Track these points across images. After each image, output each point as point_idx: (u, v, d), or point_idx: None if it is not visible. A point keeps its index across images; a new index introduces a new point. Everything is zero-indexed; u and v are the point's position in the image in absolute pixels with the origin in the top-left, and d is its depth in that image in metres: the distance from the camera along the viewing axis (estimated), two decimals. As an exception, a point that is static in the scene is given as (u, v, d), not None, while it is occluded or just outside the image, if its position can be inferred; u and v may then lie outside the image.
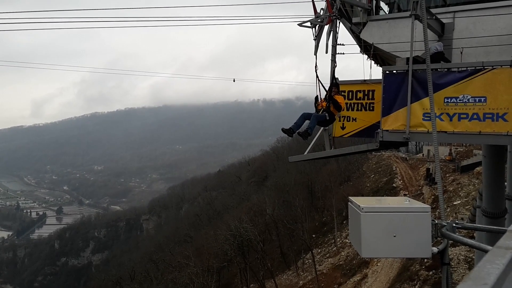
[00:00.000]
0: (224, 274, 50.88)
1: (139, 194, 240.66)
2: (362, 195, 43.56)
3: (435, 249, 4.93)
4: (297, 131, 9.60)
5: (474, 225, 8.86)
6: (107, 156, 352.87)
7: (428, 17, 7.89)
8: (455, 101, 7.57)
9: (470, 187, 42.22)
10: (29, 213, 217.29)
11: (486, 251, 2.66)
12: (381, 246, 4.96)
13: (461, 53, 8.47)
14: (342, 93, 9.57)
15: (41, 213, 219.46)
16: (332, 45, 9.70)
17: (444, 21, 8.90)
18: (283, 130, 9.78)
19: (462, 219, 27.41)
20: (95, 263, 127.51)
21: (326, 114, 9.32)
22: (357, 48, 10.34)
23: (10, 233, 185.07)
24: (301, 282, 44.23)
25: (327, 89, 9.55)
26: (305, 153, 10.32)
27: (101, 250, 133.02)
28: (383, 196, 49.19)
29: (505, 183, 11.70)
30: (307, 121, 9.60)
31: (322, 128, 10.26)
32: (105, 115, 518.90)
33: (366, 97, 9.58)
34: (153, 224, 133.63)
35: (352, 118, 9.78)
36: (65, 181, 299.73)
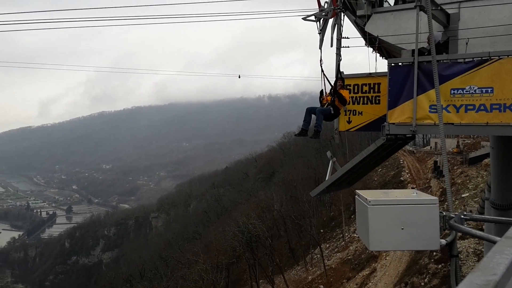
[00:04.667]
0: (233, 270, 51.05)
1: (147, 192, 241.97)
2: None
3: (443, 241, 4.90)
4: (309, 137, 10.07)
5: (482, 216, 8.82)
6: (115, 155, 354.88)
7: (433, 8, 7.81)
8: (461, 92, 7.50)
9: (479, 179, 41.89)
10: (39, 213, 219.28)
11: (495, 242, 2.65)
12: (388, 239, 4.95)
13: (467, 43, 8.39)
14: (348, 87, 9.53)
15: (51, 212, 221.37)
16: (337, 39, 9.66)
17: (449, 11, 8.82)
18: (297, 135, 10.33)
19: (470, 211, 27.21)
20: (105, 261, 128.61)
21: (331, 108, 9.30)
22: (362, 41, 10.29)
23: (21, 232, 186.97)
24: (310, 277, 44.26)
25: (332, 83, 9.52)
26: (326, 178, 10.35)
27: (111, 248, 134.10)
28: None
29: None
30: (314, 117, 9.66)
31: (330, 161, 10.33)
32: (112, 114, 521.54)
33: (372, 90, 9.54)
34: (162, 222, 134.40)
35: (358, 112, 9.75)
36: (74, 180, 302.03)
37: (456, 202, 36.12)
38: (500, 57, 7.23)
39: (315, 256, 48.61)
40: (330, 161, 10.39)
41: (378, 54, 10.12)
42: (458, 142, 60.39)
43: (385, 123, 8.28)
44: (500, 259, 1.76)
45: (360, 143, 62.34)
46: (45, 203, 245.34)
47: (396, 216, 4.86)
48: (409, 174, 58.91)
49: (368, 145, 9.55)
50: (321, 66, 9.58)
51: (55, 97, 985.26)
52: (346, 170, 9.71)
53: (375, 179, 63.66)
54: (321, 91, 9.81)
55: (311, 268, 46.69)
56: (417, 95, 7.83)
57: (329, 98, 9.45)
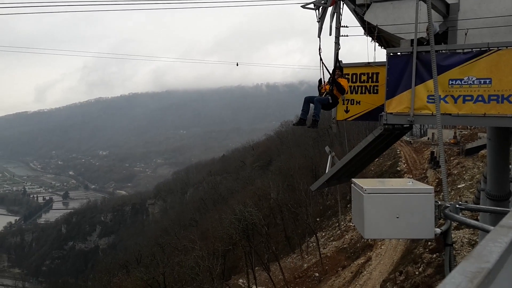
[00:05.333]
0: (229, 257, 51.28)
1: (144, 178, 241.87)
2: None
3: (438, 230, 4.94)
4: (307, 126, 10.06)
5: (477, 206, 8.85)
6: (111, 141, 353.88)
7: (433, -2, 7.77)
8: (459, 83, 7.50)
9: (475, 170, 42.04)
10: (35, 198, 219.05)
11: (489, 232, 2.68)
12: (383, 227, 4.98)
13: (466, 34, 8.37)
14: (346, 76, 9.51)
15: (47, 198, 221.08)
16: (336, 27, 9.61)
17: (449, 1, 8.77)
18: (295, 125, 10.33)
19: (466, 202, 27.30)
20: (102, 247, 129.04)
21: (329, 97, 9.28)
22: (361, 30, 10.23)
23: (18, 217, 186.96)
24: (305, 265, 44.56)
25: (330, 72, 9.49)
26: (326, 171, 10.33)
27: (108, 234, 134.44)
28: (387, 179, 49.07)
29: (510, 166, 11.66)
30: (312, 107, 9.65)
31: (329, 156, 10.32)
32: (109, 100, 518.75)
33: (370, 79, 9.53)
34: (159, 209, 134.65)
35: (356, 101, 9.74)
36: (70, 166, 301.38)
37: (452, 193, 36.29)
38: (499, 48, 7.22)
39: (310, 245, 48.90)
40: (329, 156, 10.40)
41: (377, 44, 10.09)
42: (455, 133, 60.45)
43: (382, 112, 8.29)
44: (493, 247, 1.77)
45: (357, 133, 62.32)
46: (41, 189, 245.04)
47: (391, 205, 4.88)
48: (405, 164, 59.07)
49: (366, 135, 9.58)
50: (320, 55, 9.54)
51: (51, 83, 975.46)
52: (346, 162, 9.72)
53: (372, 169, 63.75)
54: (320, 80, 9.79)
55: (306, 256, 46.99)
56: (415, 85, 7.83)
57: (327, 87, 9.43)
